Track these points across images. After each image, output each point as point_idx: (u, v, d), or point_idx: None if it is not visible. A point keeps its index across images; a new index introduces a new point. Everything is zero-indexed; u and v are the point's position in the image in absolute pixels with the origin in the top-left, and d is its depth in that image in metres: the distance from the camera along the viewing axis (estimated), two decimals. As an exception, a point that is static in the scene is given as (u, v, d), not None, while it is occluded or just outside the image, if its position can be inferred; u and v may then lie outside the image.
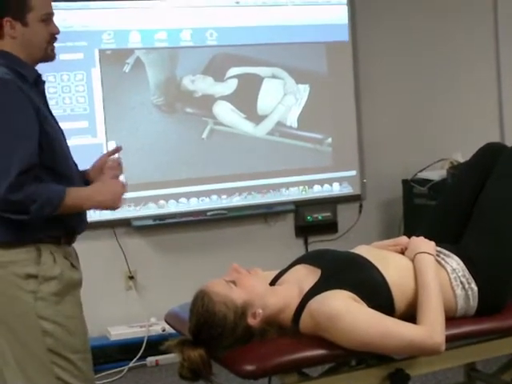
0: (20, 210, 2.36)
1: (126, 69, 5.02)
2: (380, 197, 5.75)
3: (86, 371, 2.58)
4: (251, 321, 2.38)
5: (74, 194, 2.48)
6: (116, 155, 2.82)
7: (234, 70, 5.29)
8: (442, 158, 5.37)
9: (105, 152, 2.89)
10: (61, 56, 4.68)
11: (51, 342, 2.48)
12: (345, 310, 2.29)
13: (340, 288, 2.37)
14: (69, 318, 2.52)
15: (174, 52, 5.15)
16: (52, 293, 2.48)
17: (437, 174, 5.27)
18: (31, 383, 2.50)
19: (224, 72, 5.27)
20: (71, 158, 2.66)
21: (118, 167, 2.79)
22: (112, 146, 4.89)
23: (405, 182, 5.48)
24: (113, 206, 2.59)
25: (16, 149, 2.36)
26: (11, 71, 2.45)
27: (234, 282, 2.43)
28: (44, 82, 2.63)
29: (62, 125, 2.66)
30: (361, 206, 5.69)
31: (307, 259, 2.66)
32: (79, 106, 4.89)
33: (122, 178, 2.77)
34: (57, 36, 2.61)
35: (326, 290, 2.37)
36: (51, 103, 2.67)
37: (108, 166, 2.78)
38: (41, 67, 2.62)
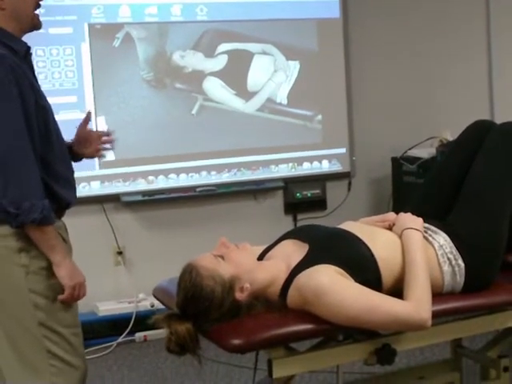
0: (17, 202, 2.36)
1: (116, 43, 5.00)
2: (369, 174, 5.77)
3: (76, 346, 2.58)
4: (239, 295, 2.39)
5: (59, 241, 2.49)
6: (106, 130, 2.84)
7: (225, 46, 5.28)
8: (432, 136, 5.37)
9: (93, 128, 2.90)
10: (50, 30, 4.73)
11: (42, 316, 2.48)
12: (332, 284, 2.30)
13: (327, 263, 2.37)
14: (59, 292, 2.51)
15: (164, 27, 5.12)
16: (43, 267, 2.48)
17: (426, 151, 5.28)
18: (22, 357, 2.50)
19: (214, 48, 5.25)
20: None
21: (111, 142, 2.87)
22: (101, 121, 4.90)
23: (394, 160, 5.49)
24: (63, 279, 2.50)
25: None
26: (3, 46, 2.43)
27: (221, 257, 2.43)
28: (31, 54, 2.61)
29: (51, 99, 2.64)
30: (350, 184, 5.70)
31: (295, 234, 2.66)
32: (68, 81, 4.87)
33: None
34: (40, 3, 2.57)
35: (314, 264, 2.38)
36: (40, 77, 2.65)
37: (103, 140, 2.84)
38: (30, 41, 2.59)
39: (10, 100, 2.35)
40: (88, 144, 2.83)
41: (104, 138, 2.87)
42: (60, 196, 2.54)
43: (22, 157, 2.37)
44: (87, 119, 2.85)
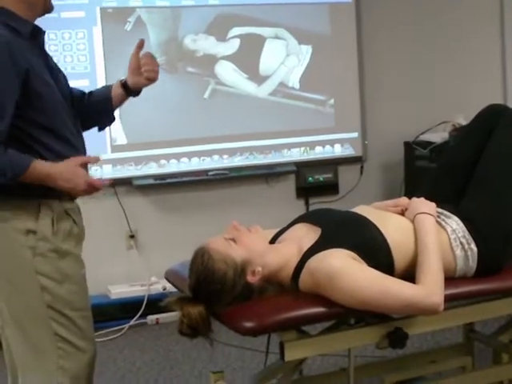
0: None
1: (128, 27, 4.99)
2: (381, 159, 5.75)
3: (85, 329, 2.57)
4: (250, 278, 2.39)
5: (39, 168, 2.40)
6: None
7: (237, 30, 5.26)
8: (444, 120, 5.36)
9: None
10: (62, 14, 4.73)
11: (49, 299, 2.48)
12: (344, 268, 2.30)
13: (340, 247, 2.37)
14: (68, 274, 2.51)
15: (176, 11, 5.11)
16: (51, 249, 2.47)
17: (439, 136, 5.27)
18: (29, 339, 2.50)
19: (226, 32, 5.24)
20: (73, 114, 2.64)
21: (152, 61, 2.81)
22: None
23: (406, 144, 5.47)
24: (71, 194, 2.52)
25: None
26: (5, 27, 2.42)
27: (233, 240, 2.43)
28: (44, 33, 2.58)
29: (63, 83, 2.64)
30: (362, 168, 5.69)
31: (307, 218, 2.66)
32: (80, 65, 4.87)
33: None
34: None
35: (326, 248, 2.38)
36: (52, 61, 2.64)
37: (143, 62, 2.78)
38: (42, 25, 2.57)
39: None
40: (140, 71, 2.81)
41: (143, 61, 2.80)
42: None
43: None
44: (140, 46, 2.78)
